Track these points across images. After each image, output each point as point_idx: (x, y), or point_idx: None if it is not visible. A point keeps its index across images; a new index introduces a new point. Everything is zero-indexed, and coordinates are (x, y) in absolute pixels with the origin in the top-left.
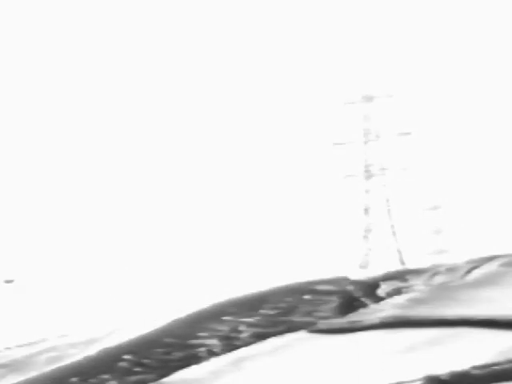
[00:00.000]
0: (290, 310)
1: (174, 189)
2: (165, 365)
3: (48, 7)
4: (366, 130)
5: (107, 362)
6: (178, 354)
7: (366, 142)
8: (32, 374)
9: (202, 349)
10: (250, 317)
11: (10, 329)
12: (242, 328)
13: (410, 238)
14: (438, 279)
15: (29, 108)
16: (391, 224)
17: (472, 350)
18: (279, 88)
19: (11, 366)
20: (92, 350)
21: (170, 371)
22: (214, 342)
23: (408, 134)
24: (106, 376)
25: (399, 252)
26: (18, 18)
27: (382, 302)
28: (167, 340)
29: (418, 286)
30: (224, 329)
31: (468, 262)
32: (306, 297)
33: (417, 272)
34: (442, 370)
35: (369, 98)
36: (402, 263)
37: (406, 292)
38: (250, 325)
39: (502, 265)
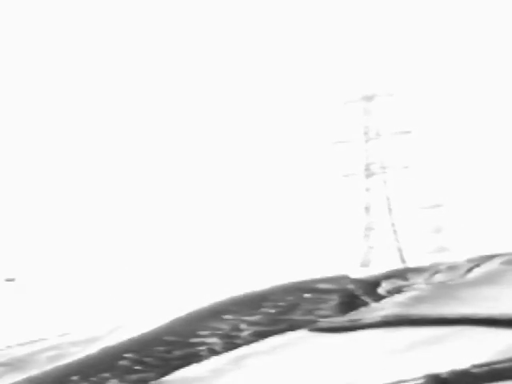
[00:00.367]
0: (290, 309)
1: (173, 189)
2: (165, 363)
3: (48, 7)
4: (367, 128)
5: (108, 360)
6: (178, 353)
7: (366, 141)
8: (33, 372)
9: (203, 347)
10: (250, 315)
11: (11, 327)
12: (242, 326)
13: (410, 236)
14: (439, 277)
15: (29, 108)
16: (392, 222)
17: (472, 349)
18: (279, 87)
19: (12, 365)
20: (93, 349)
21: (170, 370)
22: (214, 340)
23: (408, 132)
24: (106, 374)
25: (400, 250)
26: (18, 18)
27: (382, 301)
28: (168, 338)
29: (419, 284)
30: (225, 327)
31: (469, 261)
32: (307, 295)
33: (417, 270)
34: (443, 368)
35: (369, 97)
36: (403, 261)
37: (406, 290)
38: (250, 323)
39: (503, 263)
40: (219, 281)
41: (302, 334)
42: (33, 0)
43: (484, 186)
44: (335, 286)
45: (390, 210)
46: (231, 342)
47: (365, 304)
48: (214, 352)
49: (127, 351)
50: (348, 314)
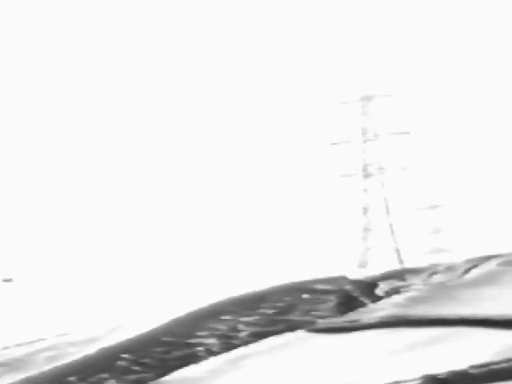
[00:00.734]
0: (288, 309)
1: (173, 189)
2: (163, 364)
3: (48, 7)
4: (365, 129)
5: (106, 360)
6: (176, 353)
7: (364, 141)
8: (31, 372)
9: (201, 348)
10: (248, 316)
11: (9, 328)
12: (240, 327)
13: (408, 237)
14: (437, 278)
15: (29, 108)
16: (390, 223)
17: (470, 349)
18: (278, 88)
19: (10, 365)
20: (91, 349)
21: (168, 370)
22: (212, 341)
23: (407, 133)
24: (104, 375)
25: (398, 251)
26: (18, 18)
27: (380, 302)
28: (166, 339)
29: (417, 285)
30: (223, 328)
31: (466, 262)
32: (305, 296)
33: (415, 271)
34: (441, 369)
35: (367, 98)
36: (401, 262)
37: (404, 291)
38: (248, 324)
39: (501, 264)
40: (218, 281)
41: (300, 334)
42: (33, 0)
43: (482, 188)
44: (333, 286)
45: (387, 210)
46: (229, 343)
47: (363, 305)
48: (212, 353)
49: (125, 352)
50: (346, 315)
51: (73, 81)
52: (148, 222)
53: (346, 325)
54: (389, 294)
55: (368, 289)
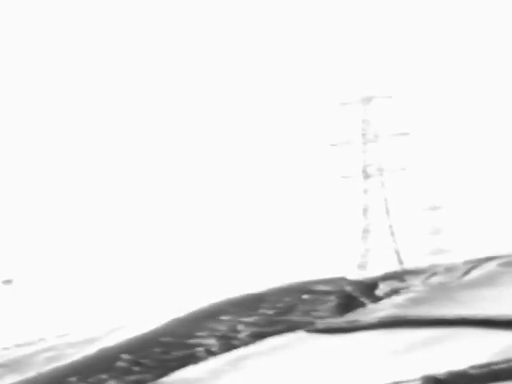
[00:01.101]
0: (288, 310)
1: (173, 189)
2: (163, 364)
3: (48, 7)
4: (365, 130)
5: (105, 361)
6: (176, 354)
7: (364, 143)
8: (31, 373)
9: (201, 348)
10: (248, 316)
11: (9, 329)
12: (240, 327)
13: (408, 238)
14: (437, 279)
15: (29, 108)
16: (389, 224)
17: (470, 350)
18: (277, 89)
19: (10, 366)
20: (90, 350)
21: (168, 371)
22: (212, 341)
23: (406, 134)
24: (104, 375)
25: (397, 252)
26: (18, 18)
27: (380, 302)
28: (165, 339)
29: (416, 286)
30: (222, 328)
31: (466, 263)
32: (305, 297)
33: (415, 272)
34: (440, 369)
35: (367, 99)
36: (401, 263)
37: (404, 292)
38: (248, 324)
39: (500, 265)
40: (218, 281)
41: (299, 335)
42: (33, 0)
43: (482, 188)
44: (333, 287)
45: (387, 211)
46: (229, 343)
47: (362, 305)
48: (211, 353)
49: (125, 352)
50: (346, 316)
51: (73, 81)
52: (148, 223)
53: (345, 325)
54: (388, 294)
55: (368, 289)
